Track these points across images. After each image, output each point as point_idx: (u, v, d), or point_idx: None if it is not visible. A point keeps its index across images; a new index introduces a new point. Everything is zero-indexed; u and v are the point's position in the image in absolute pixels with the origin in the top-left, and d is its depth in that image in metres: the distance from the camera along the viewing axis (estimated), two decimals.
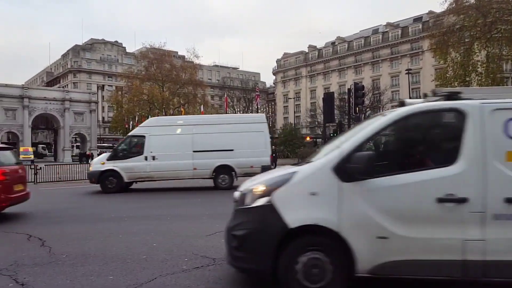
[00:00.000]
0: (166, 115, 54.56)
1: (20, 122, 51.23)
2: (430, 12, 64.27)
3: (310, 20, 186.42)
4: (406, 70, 48.03)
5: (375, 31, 75.33)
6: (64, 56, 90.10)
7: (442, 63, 28.40)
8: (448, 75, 25.46)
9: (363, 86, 20.06)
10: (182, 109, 53.77)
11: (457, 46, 25.37)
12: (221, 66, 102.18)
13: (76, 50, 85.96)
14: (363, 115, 42.12)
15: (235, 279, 4.28)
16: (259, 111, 45.09)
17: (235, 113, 74.84)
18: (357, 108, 18.84)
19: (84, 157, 50.39)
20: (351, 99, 18.22)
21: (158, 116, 57.31)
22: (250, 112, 69.42)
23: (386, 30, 73.28)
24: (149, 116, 56.31)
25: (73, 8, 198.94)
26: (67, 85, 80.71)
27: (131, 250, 5.59)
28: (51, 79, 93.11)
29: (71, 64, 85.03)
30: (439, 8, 40.63)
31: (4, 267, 4.76)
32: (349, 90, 19.24)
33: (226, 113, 50.72)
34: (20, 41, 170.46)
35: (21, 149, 47.14)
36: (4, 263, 4.92)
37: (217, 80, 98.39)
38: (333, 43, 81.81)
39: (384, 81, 67.72)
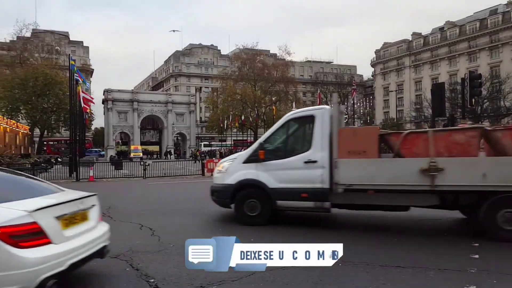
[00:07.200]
0: (259, 113, 55.72)
1: (131, 123, 57.20)
2: None
3: (413, 6, 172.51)
4: None
5: (493, 12, 66.14)
6: (166, 61, 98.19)
7: None
8: None
9: (480, 75, 18.03)
10: (273, 107, 54.29)
11: None
12: (313, 62, 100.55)
13: (177, 55, 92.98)
14: (479, 107, 37.44)
15: None
16: (355, 106, 43.17)
17: None
18: (473, 100, 16.92)
19: (169, 154, 53.96)
20: (465, 90, 16.44)
21: (250, 115, 59.05)
22: (346, 108, 66.91)
23: (507, 9, 63.86)
24: (242, 115, 58.75)
25: (176, 15, 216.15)
26: (169, 88, 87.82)
27: None
28: (156, 83, 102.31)
29: (172, 69, 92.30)
30: None
31: (121, 252, 5.23)
32: (463, 79, 17.28)
33: None
34: (131, 49, 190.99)
35: (132, 147, 52.64)
36: (121, 249, 5.39)
37: (310, 76, 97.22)
38: (441, 29, 74.35)
39: (506, 68, 58.73)
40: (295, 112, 7.51)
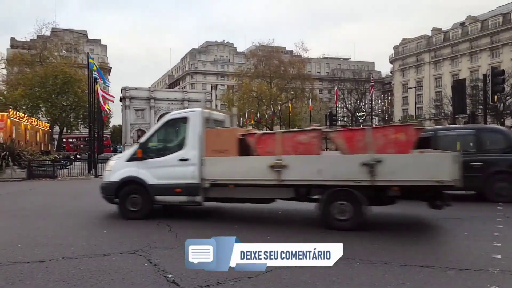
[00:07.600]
0: (274, 111, 55.58)
1: (148, 121, 58.02)
2: None
3: (433, 1, 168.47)
4: None
5: None
6: (183, 59, 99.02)
7: None
8: None
9: (503, 71, 17.74)
10: (290, 104, 54.08)
11: None
12: (330, 58, 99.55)
13: (193, 53, 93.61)
14: (502, 104, 36.37)
15: None
16: (373, 103, 42.52)
17: (346, 106, 72.30)
18: (495, 97, 16.57)
19: None
20: (487, 86, 16.12)
21: (266, 112, 59.08)
22: (363, 105, 66.02)
23: None
24: (258, 113, 58.80)
25: (193, 13, 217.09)
26: (186, 86, 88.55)
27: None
28: (172, 81, 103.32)
29: (188, 67, 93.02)
30: None
31: (140, 248, 5.33)
32: (484, 76, 16.99)
33: (336, 106, 49.14)
34: (149, 48, 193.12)
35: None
36: (140, 244, 5.51)
37: (327, 72, 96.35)
38: (462, 24, 72.56)
39: None
40: (172, 114, 8.18)
